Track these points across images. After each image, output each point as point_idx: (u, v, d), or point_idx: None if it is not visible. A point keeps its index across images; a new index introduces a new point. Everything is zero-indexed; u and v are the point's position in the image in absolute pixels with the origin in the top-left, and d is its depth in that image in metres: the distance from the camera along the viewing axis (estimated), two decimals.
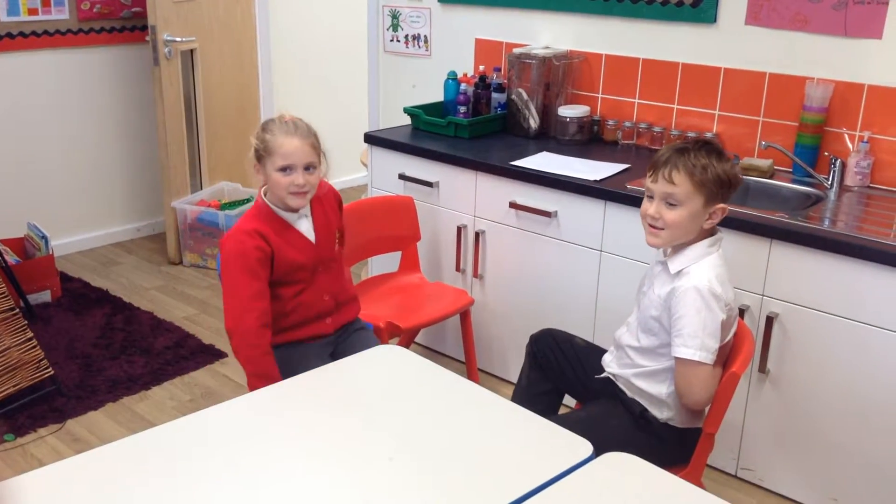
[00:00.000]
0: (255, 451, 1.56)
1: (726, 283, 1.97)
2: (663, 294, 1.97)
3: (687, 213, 1.92)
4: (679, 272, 1.95)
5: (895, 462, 2.31)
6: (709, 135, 2.97)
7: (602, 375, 2.18)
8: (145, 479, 1.48)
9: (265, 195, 2.27)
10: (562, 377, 2.31)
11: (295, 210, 2.26)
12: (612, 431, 2.05)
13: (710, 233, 1.99)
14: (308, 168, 2.20)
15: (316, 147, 2.23)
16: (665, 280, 1.99)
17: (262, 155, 2.20)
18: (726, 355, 2.02)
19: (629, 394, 2.09)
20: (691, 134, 3.00)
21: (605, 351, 2.24)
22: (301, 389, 1.80)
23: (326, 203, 2.37)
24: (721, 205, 1.93)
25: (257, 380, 2.17)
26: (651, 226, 1.98)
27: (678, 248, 1.99)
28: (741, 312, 2.42)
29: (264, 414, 1.71)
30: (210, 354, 3.37)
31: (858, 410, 2.34)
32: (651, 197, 1.98)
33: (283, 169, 2.17)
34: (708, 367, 1.91)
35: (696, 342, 1.90)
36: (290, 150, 2.16)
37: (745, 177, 2.73)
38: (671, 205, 1.93)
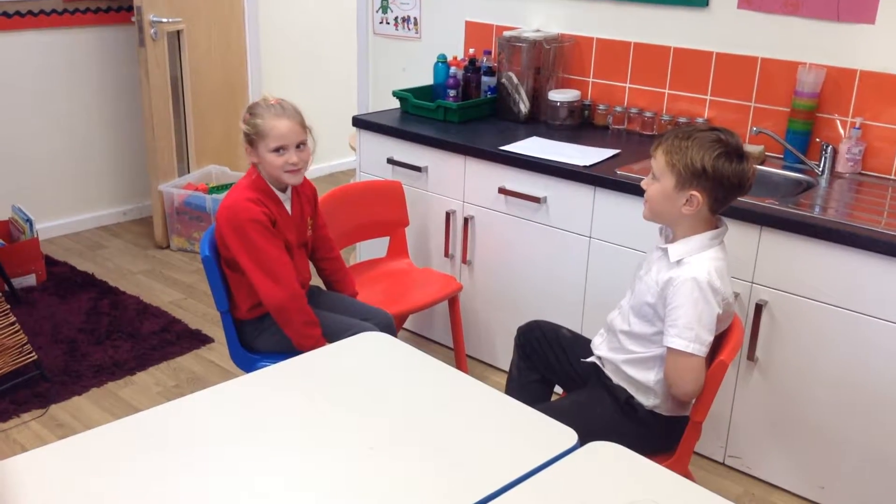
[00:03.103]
0: (238, 438, 1.55)
1: (725, 278, 1.95)
2: (661, 281, 1.95)
3: (660, 189, 1.94)
4: (679, 261, 1.93)
5: (882, 449, 2.31)
6: (700, 120, 2.95)
7: (589, 359, 2.16)
8: (129, 464, 1.47)
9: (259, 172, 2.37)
10: (548, 366, 2.30)
11: (286, 186, 2.37)
12: (598, 419, 2.04)
13: (714, 225, 1.97)
14: (299, 146, 2.31)
15: (304, 125, 2.34)
16: (663, 267, 1.97)
17: (253, 139, 2.30)
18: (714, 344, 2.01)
19: (615, 380, 2.08)
20: (682, 119, 2.97)
21: (590, 341, 2.22)
22: (285, 376, 1.78)
23: (302, 192, 2.47)
24: (693, 191, 1.90)
25: (310, 328, 2.32)
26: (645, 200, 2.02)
27: (679, 235, 1.97)
28: None
29: (248, 400, 1.69)
30: (196, 339, 3.35)
31: (847, 398, 2.33)
32: None
33: (277, 150, 2.28)
34: (700, 359, 1.90)
35: (691, 334, 1.88)
36: (282, 130, 2.27)
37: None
38: (653, 179, 1.96)
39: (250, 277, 2.30)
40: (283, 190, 2.38)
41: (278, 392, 1.71)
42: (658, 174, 1.94)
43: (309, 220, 2.50)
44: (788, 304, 2.36)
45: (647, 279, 2.01)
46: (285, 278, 2.30)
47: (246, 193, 2.30)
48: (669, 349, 1.92)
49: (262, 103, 2.31)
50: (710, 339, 1.91)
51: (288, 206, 2.40)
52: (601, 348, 2.14)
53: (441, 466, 1.48)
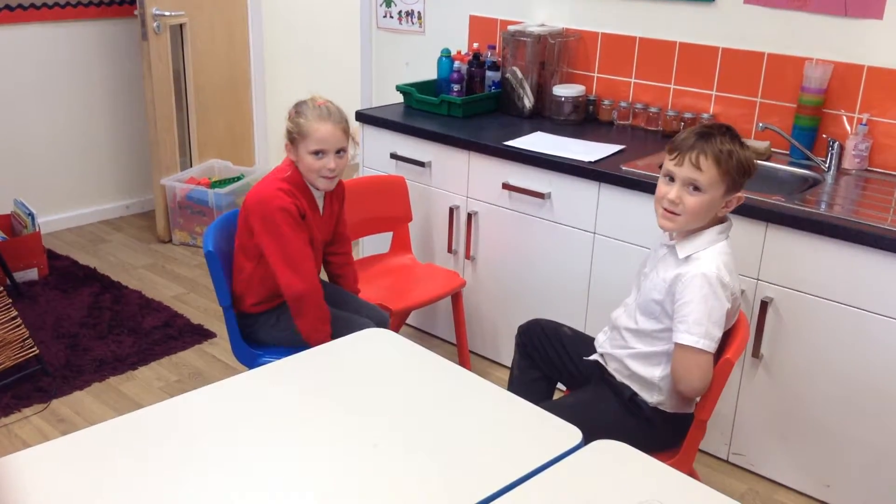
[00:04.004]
0: (240, 434, 1.54)
1: (733, 272, 1.94)
2: (668, 278, 1.94)
3: (708, 199, 1.88)
4: (687, 257, 1.92)
5: (888, 447, 2.29)
6: (706, 116, 2.93)
7: (592, 357, 2.15)
8: (131, 460, 1.46)
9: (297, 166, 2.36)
10: (550, 365, 2.28)
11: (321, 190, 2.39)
12: (602, 417, 2.03)
13: (721, 220, 1.96)
14: (339, 152, 2.30)
15: (347, 132, 2.33)
16: (671, 264, 1.95)
17: (295, 138, 2.30)
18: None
19: (619, 377, 2.06)
20: (688, 115, 2.95)
21: (592, 339, 2.20)
22: (288, 372, 1.77)
23: (335, 191, 2.47)
24: (739, 193, 1.90)
25: (323, 323, 2.32)
26: (667, 210, 1.92)
27: (688, 232, 1.95)
28: None
29: (250, 397, 1.68)
30: (198, 334, 3.34)
31: (852, 396, 2.32)
32: (672, 179, 1.91)
33: (316, 153, 2.27)
34: (709, 355, 1.88)
35: (701, 330, 1.86)
36: (324, 135, 2.26)
37: None
38: (694, 190, 1.88)
39: (272, 266, 2.28)
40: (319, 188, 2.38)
41: (281, 388, 1.71)
42: (706, 186, 1.86)
43: (334, 220, 2.51)
44: (794, 301, 2.35)
45: (654, 276, 2.00)
46: (307, 271, 2.29)
47: (280, 184, 2.30)
48: (678, 345, 1.90)
49: (309, 103, 2.31)
50: (720, 334, 1.90)
51: (320, 204, 2.41)
52: (605, 346, 2.13)
53: (444, 464, 1.47)
